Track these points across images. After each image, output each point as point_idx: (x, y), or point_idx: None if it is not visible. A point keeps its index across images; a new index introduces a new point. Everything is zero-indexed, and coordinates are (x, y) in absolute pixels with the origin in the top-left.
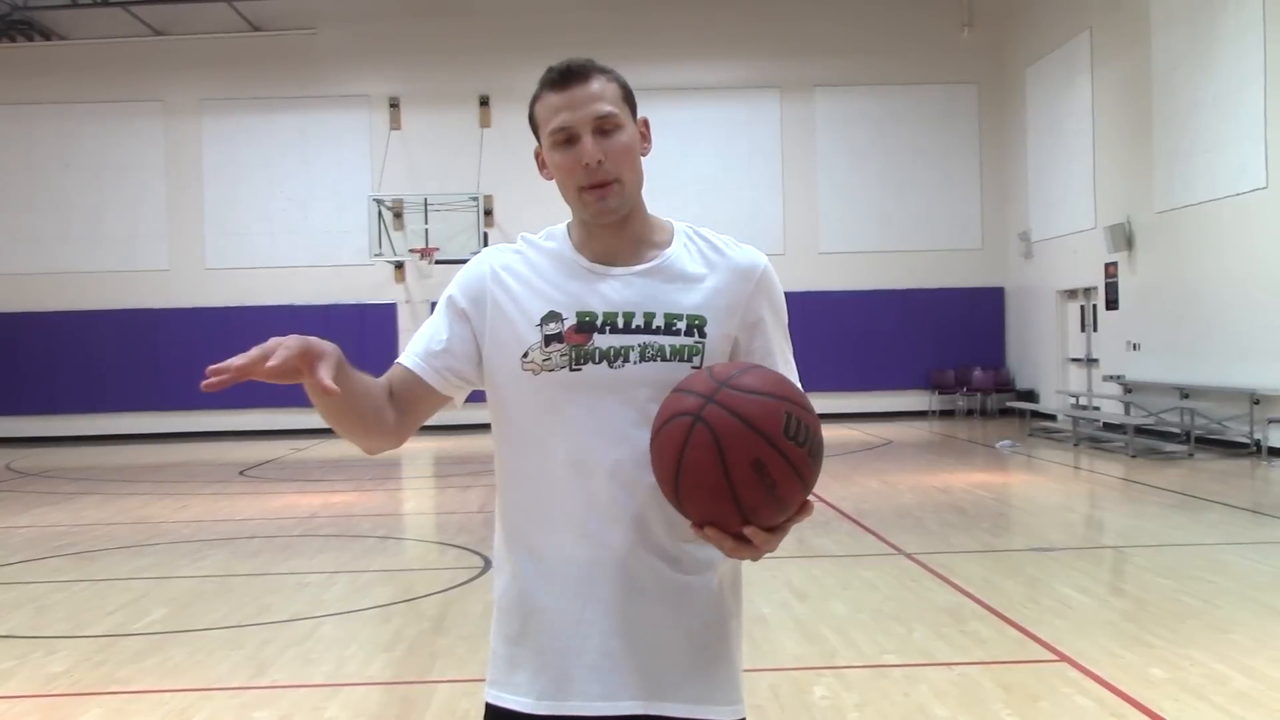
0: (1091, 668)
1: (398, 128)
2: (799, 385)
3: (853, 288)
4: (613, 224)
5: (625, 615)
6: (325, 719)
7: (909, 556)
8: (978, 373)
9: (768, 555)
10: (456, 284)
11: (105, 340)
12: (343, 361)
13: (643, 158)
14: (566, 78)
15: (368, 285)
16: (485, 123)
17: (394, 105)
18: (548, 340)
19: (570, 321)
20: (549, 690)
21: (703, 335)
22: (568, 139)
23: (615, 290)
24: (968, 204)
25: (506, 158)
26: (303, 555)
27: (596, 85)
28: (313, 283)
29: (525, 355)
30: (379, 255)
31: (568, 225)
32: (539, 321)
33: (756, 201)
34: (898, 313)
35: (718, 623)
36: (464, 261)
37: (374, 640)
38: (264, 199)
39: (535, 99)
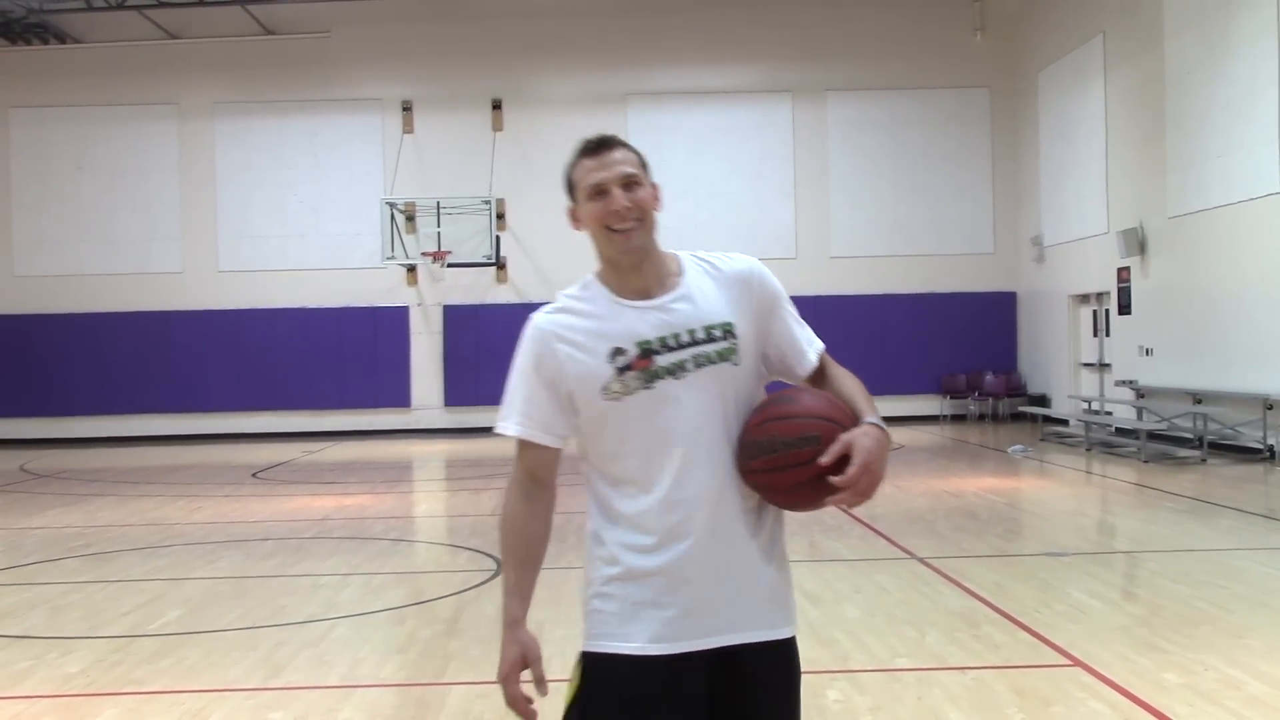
0: (1105, 673)
1: (410, 131)
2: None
3: (864, 292)
4: (637, 264)
5: (716, 568)
6: None
7: (921, 561)
8: (989, 377)
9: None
10: (529, 355)
11: (119, 342)
12: (529, 592)
13: (655, 213)
14: (599, 147)
15: (380, 288)
16: (498, 126)
17: (406, 109)
18: (620, 371)
19: (634, 352)
20: (662, 635)
21: (734, 336)
22: (601, 192)
23: (658, 318)
24: (980, 208)
25: (518, 161)
26: (316, 557)
27: (620, 153)
28: (325, 286)
29: (605, 388)
30: (391, 258)
31: (596, 275)
32: (608, 358)
33: (768, 205)
34: (909, 317)
35: (776, 561)
36: (476, 265)
37: (388, 642)
38: (277, 202)
39: (572, 166)
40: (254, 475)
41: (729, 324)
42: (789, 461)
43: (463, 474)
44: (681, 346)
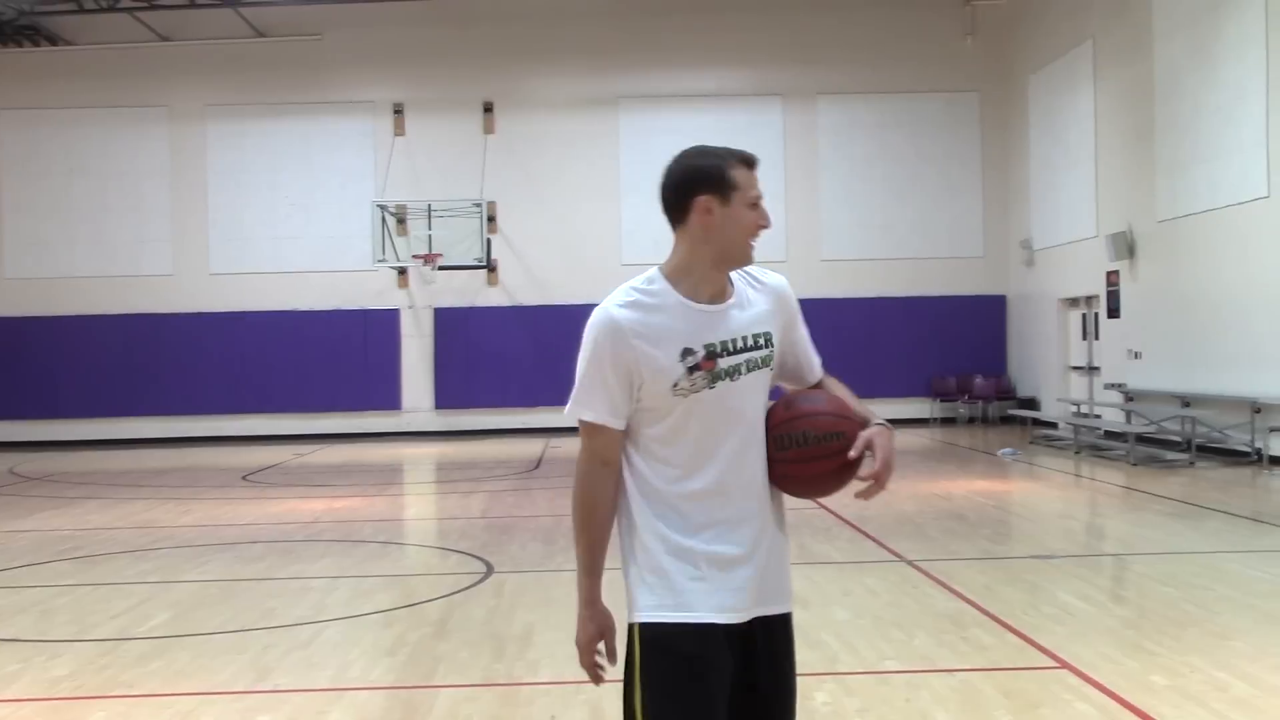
0: (1092, 674)
1: (402, 134)
2: (813, 368)
3: (854, 295)
4: (723, 271)
5: (757, 548)
6: None
7: (910, 563)
8: (979, 380)
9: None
10: (604, 346)
11: (109, 345)
12: (601, 569)
13: None
14: (754, 162)
15: (371, 291)
16: (489, 129)
17: (398, 111)
18: (690, 370)
19: (701, 354)
20: (713, 606)
21: (771, 344)
22: (756, 204)
23: (721, 322)
24: (970, 212)
25: (510, 164)
26: (306, 560)
27: None
28: (316, 288)
29: (675, 385)
30: (382, 261)
31: (662, 273)
32: (679, 358)
33: None
34: (899, 320)
35: (786, 542)
36: (467, 267)
37: (377, 645)
38: (268, 204)
39: (728, 164)
40: (244, 478)
41: (769, 333)
42: (819, 453)
43: (453, 476)
44: (737, 351)
